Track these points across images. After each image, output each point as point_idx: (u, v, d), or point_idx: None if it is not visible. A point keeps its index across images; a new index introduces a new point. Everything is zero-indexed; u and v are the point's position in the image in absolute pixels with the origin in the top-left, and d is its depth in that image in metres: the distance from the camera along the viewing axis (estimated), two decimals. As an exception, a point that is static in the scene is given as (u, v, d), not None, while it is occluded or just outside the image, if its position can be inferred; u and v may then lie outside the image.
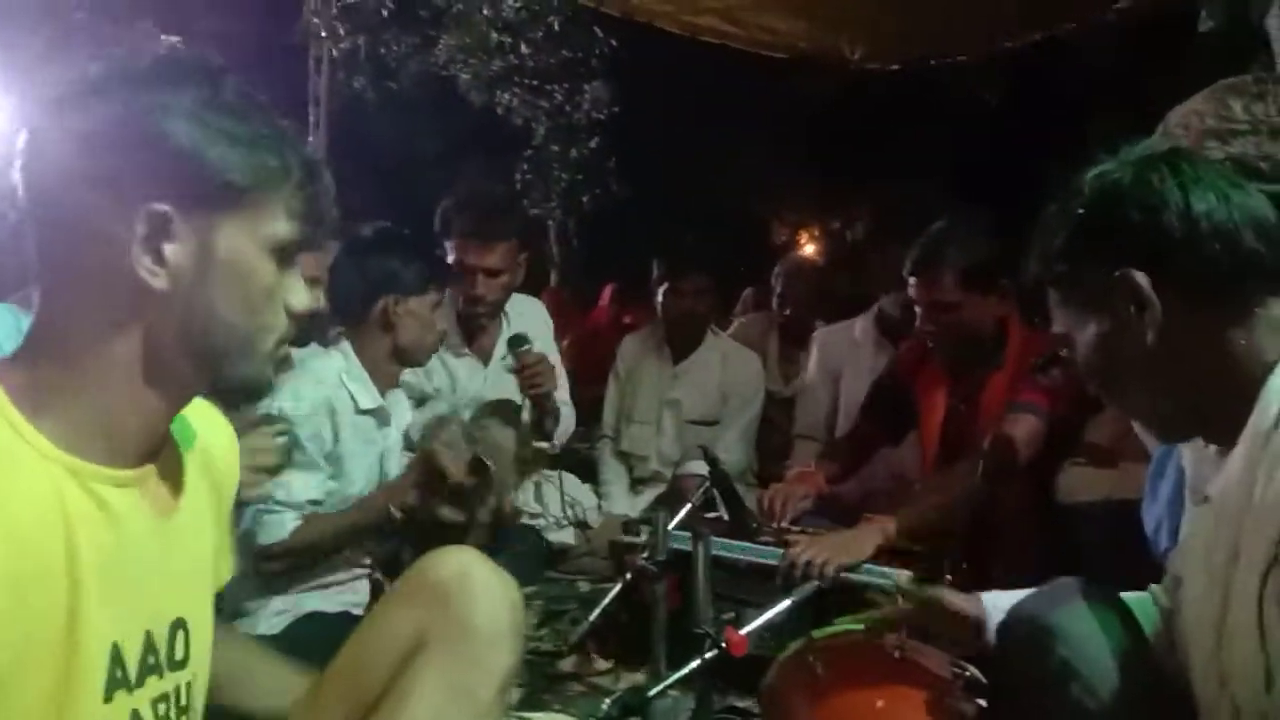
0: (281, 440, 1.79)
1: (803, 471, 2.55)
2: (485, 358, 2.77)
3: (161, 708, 0.88)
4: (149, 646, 0.87)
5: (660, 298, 3.29)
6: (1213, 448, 1.03)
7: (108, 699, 0.83)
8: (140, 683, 0.86)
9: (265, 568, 1.95)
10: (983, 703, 1.26)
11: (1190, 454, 1.18)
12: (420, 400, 2.60)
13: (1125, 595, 1.18)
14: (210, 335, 0.87)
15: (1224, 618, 0.96)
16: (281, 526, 1.94)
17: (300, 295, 0.94)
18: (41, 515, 0.78)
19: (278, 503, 1.93)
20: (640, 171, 8.65)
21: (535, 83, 8.26)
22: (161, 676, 0.88)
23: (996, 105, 7.67)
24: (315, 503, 1.99)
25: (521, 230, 2.76)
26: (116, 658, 0.83)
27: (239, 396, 0.97)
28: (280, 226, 0.89)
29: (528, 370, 2.45)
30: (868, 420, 2.63)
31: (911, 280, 2.33)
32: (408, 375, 2.39)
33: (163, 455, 0.91)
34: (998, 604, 1.25)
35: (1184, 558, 1.08)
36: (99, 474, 0.83)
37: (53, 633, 0.78)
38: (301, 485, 1.96)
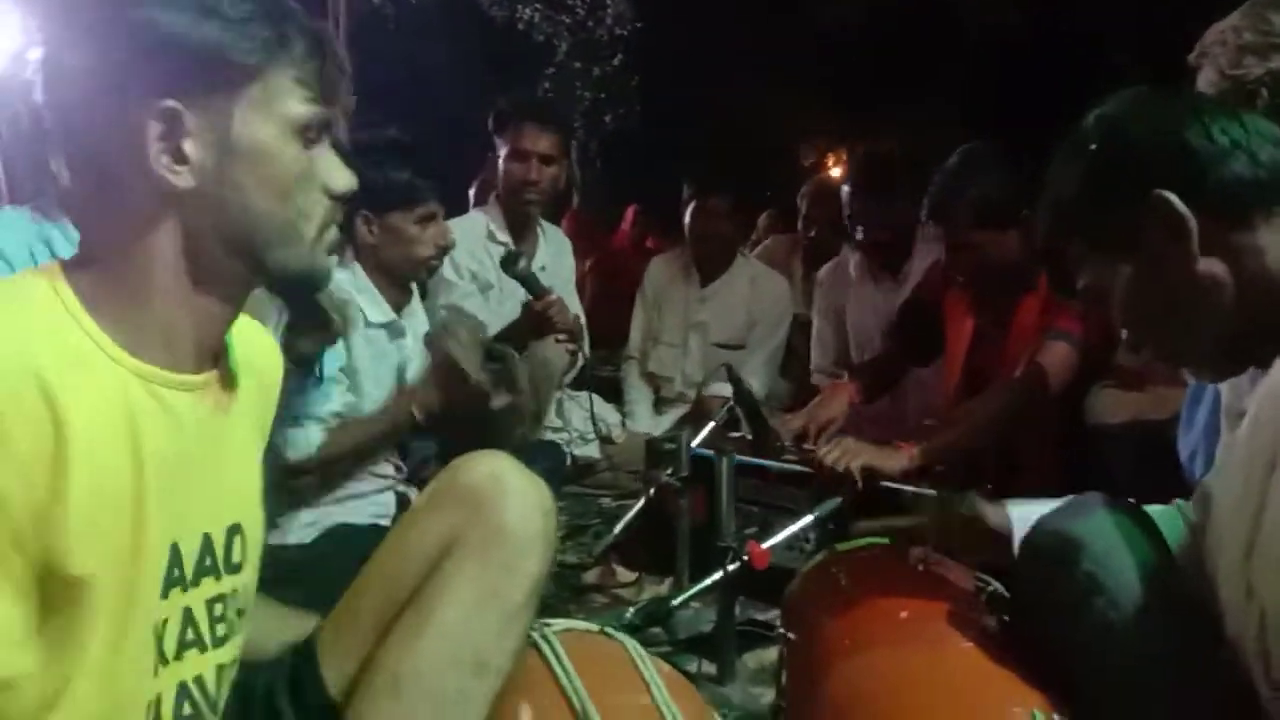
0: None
1: (836, 384, 2.57)
2: (530, 261, 2.79)
3: (219, 608, 0.90)
4: (206, 548, 0.88)
5: (688, 218, 3.26)
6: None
7: (164, 595, 0.85)
8: (196, 582, 0.87)
9: (296, 483, 1.96)
10: (1006, 617, 1.27)
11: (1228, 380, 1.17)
12: (484, 289, 2.64)
13: (1149, 508, 1.18)
14: (246, 227, 0.86)
15: (1256, 526, 0.95)
16: (308, 441, 1.95)
17: (338, 175, 0.91)
18: (110, 416, 0.79)
19: (301, 417, 1.95)
20: (663, 91, 8.49)
21: (557, -3, 8.10)
22: (219, 579, 0.90)
23: (1021, 30, 7.46)
24: (336, 414, 2.01)
25: (569, 129, 2.89)
26: (175, 557, 0.85)
27: (295, 287, 0.95)
28: (295, 104, 0.86)
29: (541, 307, 2.36)
30: (895, 341, 2.62)
31: (929, 224, 2.29)
32: (472, 264, 2.34)
33: (226, 368, 0.92)
34: (1024, 516, 1.24)
35: (1218, 473, 1.07)
36: (163, 378, 0.84)
37: (121, 530, 0.79)
38: (321, 398, 1.97)
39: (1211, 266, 0.98)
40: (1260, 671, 0.96)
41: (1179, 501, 1.23)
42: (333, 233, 0.92)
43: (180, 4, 0.81)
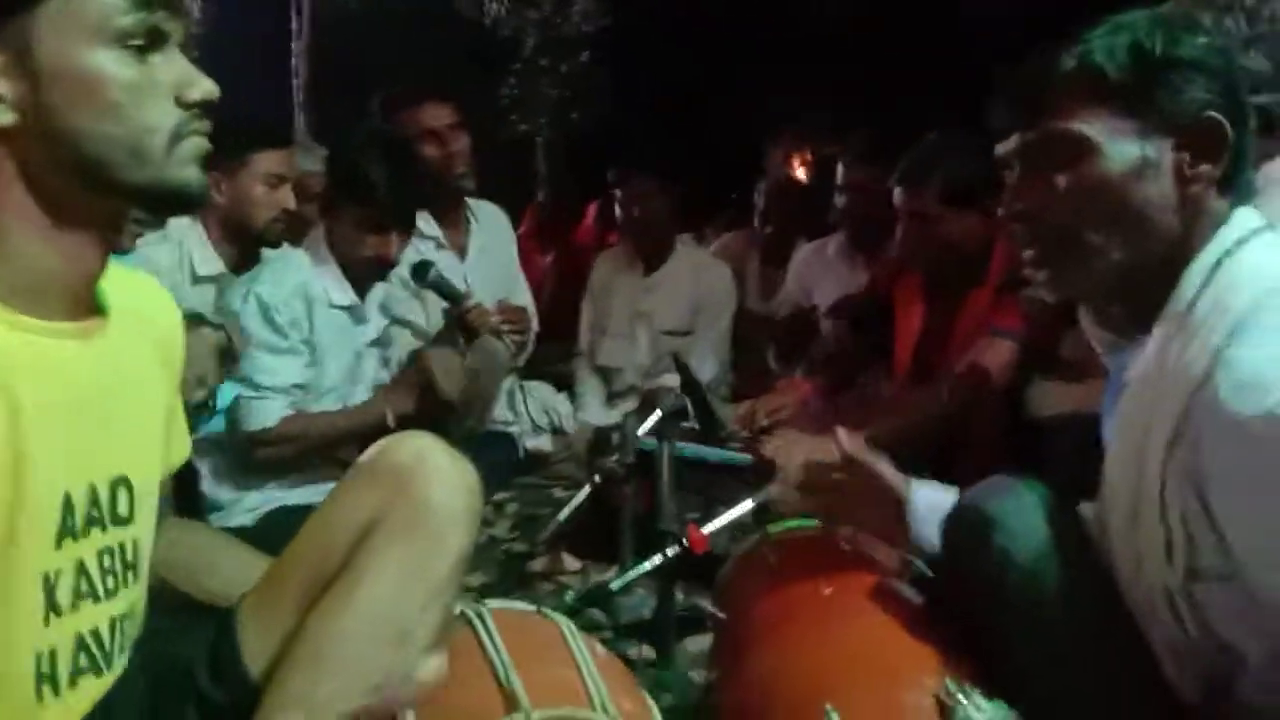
0: (217, 339, 1.72)
1: (791, 381, 2.62)
2: (461, 252, 2.78)
3: (106, 560, 0.90)
4: (93, 498, 0.88)
5: (618, 206, 3.32)
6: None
7: (58, 546, 0.84)
8: (85, 533, 0.87)
9: (258, 454, 2.00)
10: (930, 595, 1.29)
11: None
12: (416, 294, 2.58)
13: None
14: (83, 152, 0.81)
15: (1137, 495, 0.99)
16: (270, 412, 1.99)
17: (192, 83, 0.85)
18: None
19: (265, 388, 1.97)
20: (631, 88, 8.51)
21: (524, -8, 8.11)
22: (105, 530, 0.89)
23: (1009, 27, 7.53)
24: (300, 387, 2.03)
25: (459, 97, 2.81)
26: (68, 506, 0.85)
27: (160, 206, 0.91)
28: (109, 14, 0.80)
29: (458, 314, 2.38)
30: (851, 335, 2.66)
31: (896, 190, 2.34)
32: (402, 270, 2.37)
33: (108, 318, 0.91)
34: (923, 492, 1.27)
35: (1108, 447, 1.11)
36: (36, 325, 0.83)
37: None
38: (286, 370, 2.02)
39: (1193, 195, 1.01)
40: (1155, 634, 1.00)
41: None
42: (192, 144, 0.87)
43: None
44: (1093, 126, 1.02)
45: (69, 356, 0.85)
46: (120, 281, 0.94)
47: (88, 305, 0.89)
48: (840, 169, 3.00)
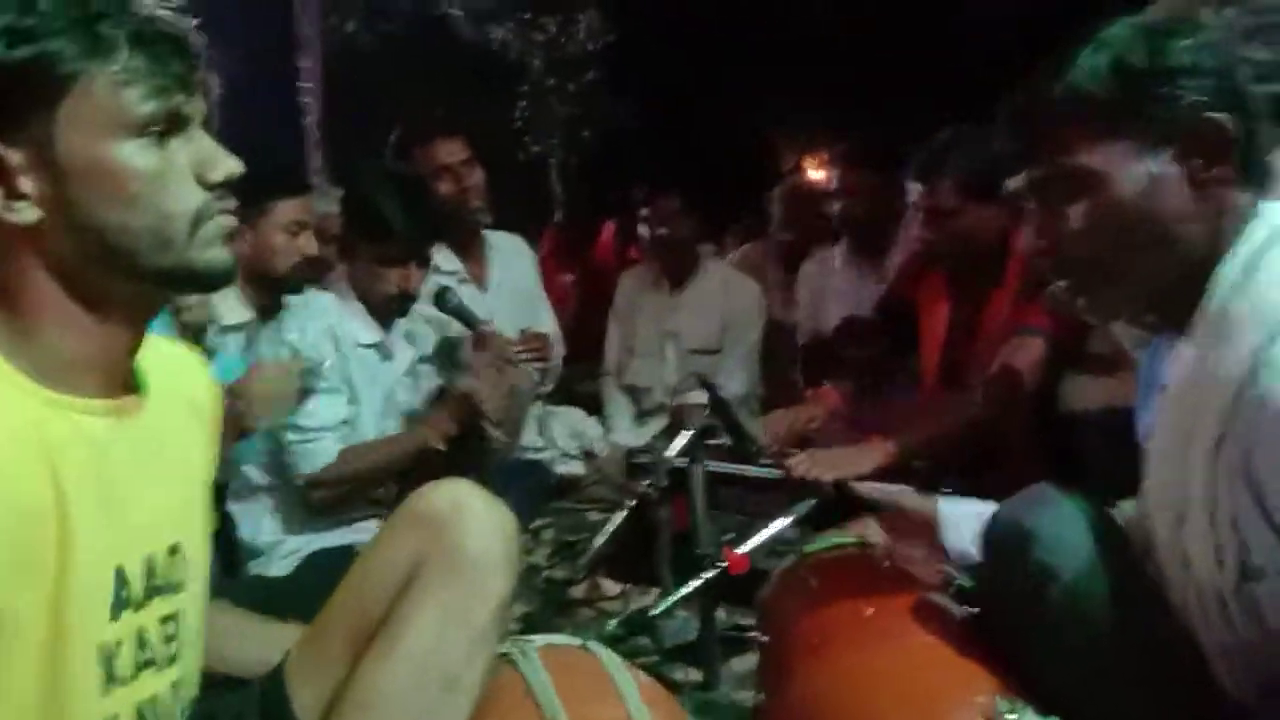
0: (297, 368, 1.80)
1: (819, 391, 2.61)
2: (482, 284, 2.79)
3: (170, 627, 0.91)
4: (149, 569, 0.89)
5: (644, 226, 3.29)
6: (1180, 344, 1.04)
7: (114, 618, 0.85)
8: (145, 603, 0.88)
9: (316, 496, 2.02)
10: (973, 610, 1.28)
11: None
12: (440, 329, 2.59)
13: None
14: (107, 243, 0.82)
15: (1183, 499, 0.98)
16: (324, 452, 2.01)
17: (214, 163, 0.86)
18: (26, 446, 0.80)
19: (312, 429, 2.01)
20: (640, 102, 8.53)
21: (528, 15, 8.15)
22: (165, 598, 0.91)
23: (1010, 24, 7.50)
24: (346, 423, 2.05)
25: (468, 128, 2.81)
26: (121, 579, 0.86)
27: (187, 288, 0.92)
28: (125, 101, 0.80)
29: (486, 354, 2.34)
30: (876, 341, 2.65)
31: (913, 185, 2.32)
32: (426, 309, 2.38)
33: (145, 391, 0.93)
34: (953, 509, 1.27)
35: (1150, 450, 1.10)
36: (76, 404, 0.84)
37: (46, 558, 0.80)
38: (329, 409, 2.04)
39: (1211, 197, 1.00)
40: (1206, 637, 0.99)
41: None
42: (216, 225, 0.87)
43: None
44: (1095, 156, 1.01)
45: (108, 432, 0.87)
46: (151, 349, 0.95)
47: (125, 381, 0.90)
48: (836, 174, 2.99)
